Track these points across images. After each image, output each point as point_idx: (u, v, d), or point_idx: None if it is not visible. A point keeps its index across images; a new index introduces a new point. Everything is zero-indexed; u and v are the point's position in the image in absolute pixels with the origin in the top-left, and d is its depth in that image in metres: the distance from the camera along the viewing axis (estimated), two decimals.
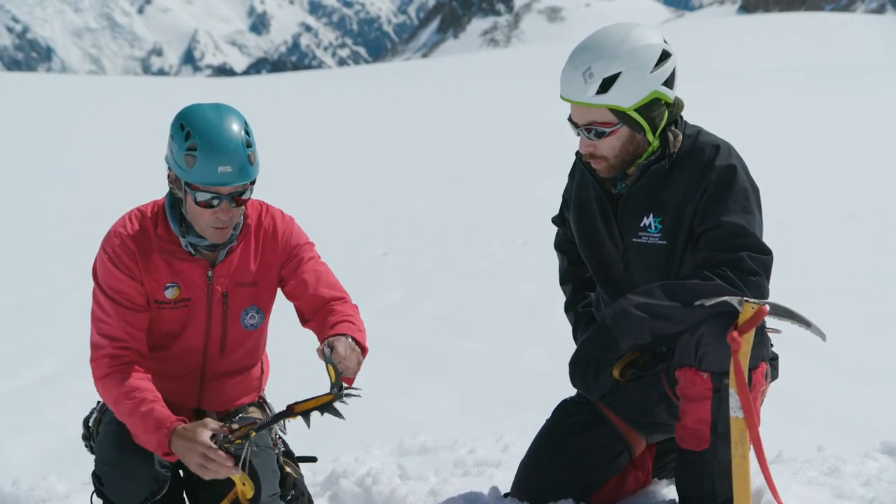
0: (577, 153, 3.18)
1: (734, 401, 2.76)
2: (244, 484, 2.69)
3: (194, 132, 2.73)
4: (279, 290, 3.10)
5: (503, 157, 20.02)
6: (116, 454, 2.81)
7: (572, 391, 3.30)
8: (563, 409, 3.35)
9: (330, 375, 2.65)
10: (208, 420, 2.67)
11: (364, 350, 2.84)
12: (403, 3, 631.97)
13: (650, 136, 2.98)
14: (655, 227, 3.02)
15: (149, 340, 2.93)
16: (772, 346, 3.03)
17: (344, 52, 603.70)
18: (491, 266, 9.46)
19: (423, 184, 16.42)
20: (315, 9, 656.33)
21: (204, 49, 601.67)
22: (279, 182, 14.95)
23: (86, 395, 3.70)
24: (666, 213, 3.00)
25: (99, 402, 3.07)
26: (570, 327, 3.44)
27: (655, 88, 2.92)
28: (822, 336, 2.81)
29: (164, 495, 2.88)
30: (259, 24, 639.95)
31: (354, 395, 2.64)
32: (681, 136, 3.03)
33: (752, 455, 2.80)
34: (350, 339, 2.79)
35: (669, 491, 3.39)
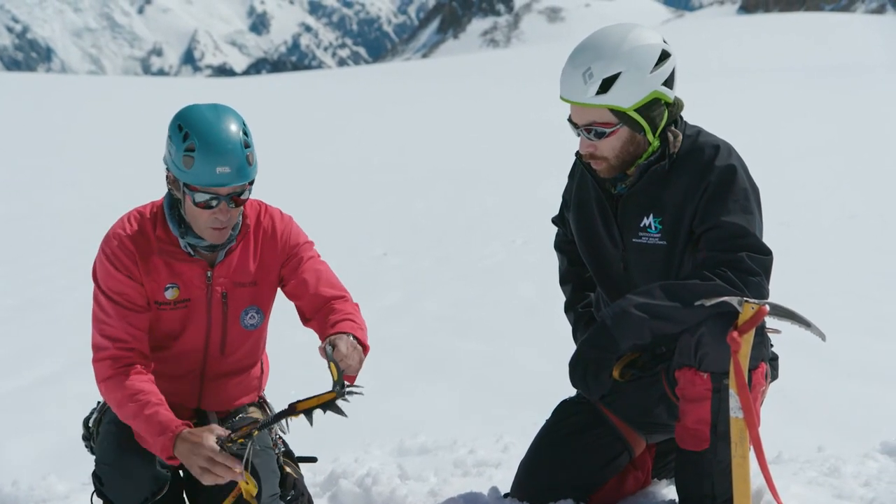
0: (577, 153, 3.18)
1: (734, 401, 2.76)
2: (248, 483, 2.68)
3: (192, 133, 2.73)
4: (279, 289, 3.10)
5: (503, 157, 20.02)
6: (117, 454, 2.82)
7: (572, 391, 3.30)
8: (563, 409, 3.35)
9: (332, 373, 2.65)
10: (215, 426, 2.67)
11: (366, 348, 2.84)
12: (403, 4, 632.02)
13: (650, 136, 2.98)
14: (655, 228, 3.02)
15: (149, 341, 2.93)
16: (772, 346, 3.03)
17: (344, 53, 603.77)
18: (491, 266, 9.46)
19: (423, 184, 16.43)
20: (315, 9, 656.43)
21: (204, 49, 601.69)
22: (279, 182, 14.96)
23: (86, 395, 3.70)
24: (666, 214, 3.00)
25: (99, 402, 3.07)
26: (569, 327, 3.45)
27: (655, 88, 2.92)
28: (822, 336, 2.81)
29: (164, 495, 2.88)
30: (259, 24, 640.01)
31: (357, 393, 2.65)
32: (681, 137, 3.03)
33: (752, 455, 2.80)
34: (352, 338, 2.79)
35: (669, 491, 3.39)
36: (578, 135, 3.03)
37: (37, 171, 18.52)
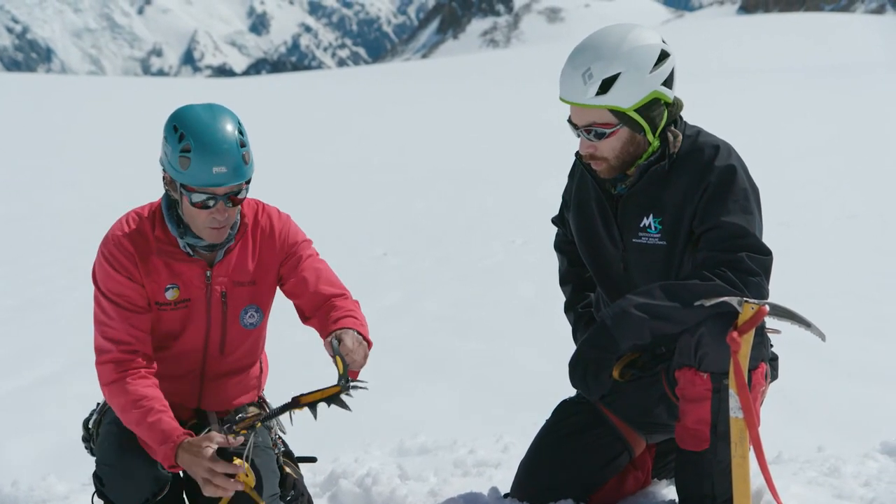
0: (577, 154, 3.18)
1: (734, 401, 2.76)
2: (247, 475, 2.68)
3: (188, 134, 2.73)
4: (278, 288, 3.10)
5: (503, 157, 20.02)
6: (117, 455, 2.82)
7: (572, 391, 3.30)
8: (563, 409, 3.35)
9: (338, 367, 2.67)
10: (213, 434, 2.66)
11: (369, 344, 2.85)
12: (403, 4, 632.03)
13: (650, 137, 2.98)
14: (655, 228, 3.02)
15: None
16: (771, 346, 3.03)
17: (344, 53, 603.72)
18: (491, 266, 9.46)
19: (423, 184, 16.43)
20: (315, 9, 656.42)
21: (204, 49, 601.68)
22: (279, 182, 14.97)
23: (86, 395, 3.71)
24: (666, 214, 3.00)
25: (98, 403, 3.07)
26: (569, 328, 3.45)
27: (655, 88, 2.92)
28: (822, 336, 2.81)
29: (164, 496, 2.88)
30: (259, 24, 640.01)
31: (361, 388, 2.67)
32: (681, 137, 3.03)
33: (751, 455, 2.80)
34: (357, 334, 2.80)
35: (669, 491, 3.39)
36: (578, 135, 3.03)
37: (37, 171, 18.53)
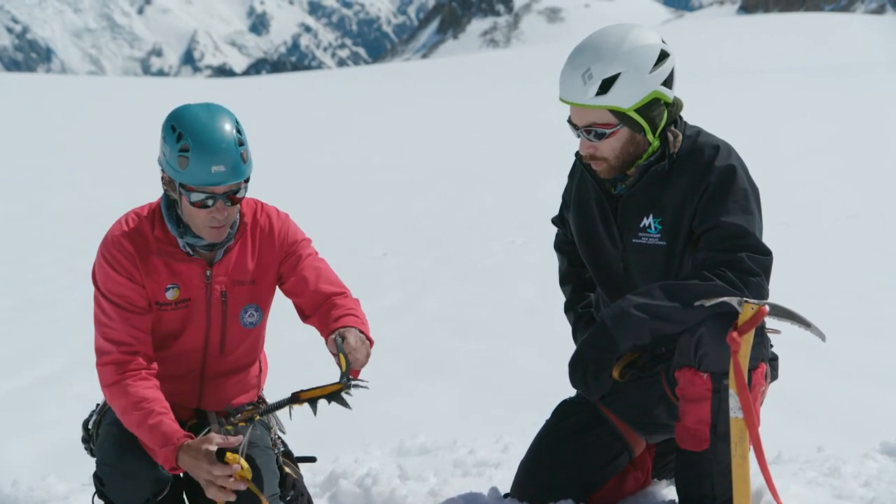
0: (577, 154, 3.18)
1: (734, 401, 2.76)
2: (242, 468, 2.68)
3: (186, 133, 2.73)
4: (277, 287, 3.10)
5: (503, 157, 20.03)
6: (117, 455, 2.81)
7: (572, 391, 3.30)
8: (563, 409, 3.35)
9: (341, 365, 2.68)
10: (212, 435, 2.66)
11: (371, 342, 2.86)
12: (403, 4, 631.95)
13: (650, 137, 2.98)
14: (655, 228, 3.02)
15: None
16: (771, 346, 3.03)
17: (343, 53, 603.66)
18: (490, 266, 9.47)
19: (423, 184, 16.43)
20: (315, 9, 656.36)
21: (203, 49, 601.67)
22: (279, 182, 14.98)
23: (86, 396, 3.71)
24: (666, 214, 3.00)
25: (98, 404, 3.07)
26: (569, 328, 3.45)
27: (655, 88, 2.92)
28: (822, 337, 2.81)
29: (164, 496, 2.88)
30: (259, 24, 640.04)
31: (362, 387, 2.68)
32: (681, 137, 3.03)
33: (751, 455, 2.80)
34: (359, 332, 2.81)
35: (669, 491, 3.39)
36: (578, 136, 3.03)
37: (37, 171, 18.53)
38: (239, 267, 2.98)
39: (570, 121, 3.03)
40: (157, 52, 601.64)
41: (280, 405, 2.72)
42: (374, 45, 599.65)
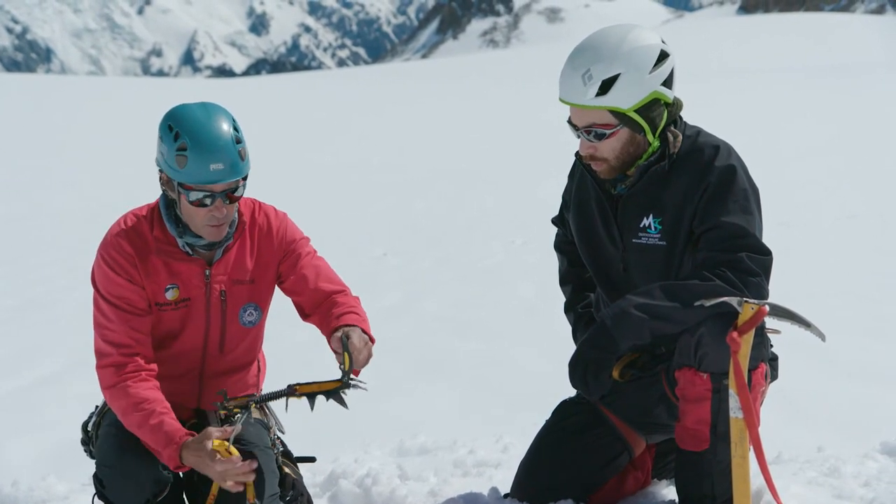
0: (577, 154, 3.18)
1: (734, 401, 2.76)
2: (230, 453, 2.69)
3: (183, 132, 2.74)
4: (277, 286, 3.10)
5: (503, 157, 20.03)
6: (117, 456, 2.81)
7: (572, 391, 3.30)
8: (563, 409, 3.35)
9: (344, 362, 2.70)
10: (211, 430, 2.67)
11: (372, 340, 2.87)
12: (403, 4, 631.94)
13: (650, 137, 2.98)
14: (655, 228, 3.02)
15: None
16: (771, 346, 3.03)
17: (343, 53, 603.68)
18: (490, 266, 9.46)
19: (423, 184, 16.43)
20: (314, 9, 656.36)
21: (203, 50, 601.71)
22: (279, 182, 14.99)
23: (86, 396, 3.71)
24: (666, 214, 3.00)
25: (97, 405, 3.07)
26: (569, 328, 3.45)
27: (655, 89, 2.92)
28: (822, 337, 2.81)
29: (164, 496, 2.88)
30: (258, 24, 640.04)
31: (361, 388, 2.69)
32: (681, 137, 3.03)
33: (751, 455, 2.80)
34: (363, 333, 2.82)
35: (669, 491, 3.39)
36: (578, 136, 3.03)
37: (37, 171, 18.53)
38: (238, 266, 2.98)
39: (569, 121, 3.03)
40: (157, 53, 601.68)
41: (276, 395, 2.73)
42: (374, 45, 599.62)
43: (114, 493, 2.82)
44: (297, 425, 3.37)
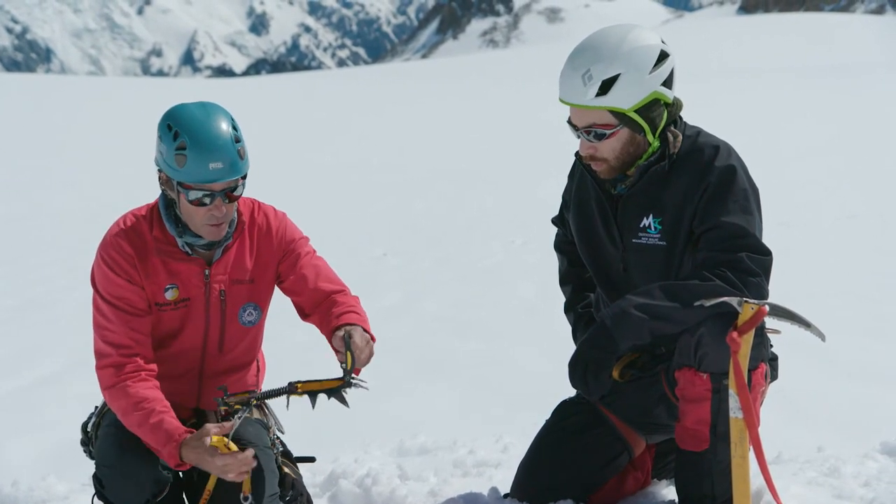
0: (577, 154, 3.18)
1: (734, 401, 2.76)
2: (228, 449, 2.69)
3: (182, 131, 2.74)
4: (276, 286, 3.10)
5: (503, 157, 20.02)
6: (117, 455, 2.81)
7: (572, 392, 3.30)
8: (563, 409, 3.35)
9: (347, 362, 2.70)
10: (208, 426, 2.67)
11: (372, 338, 2.87)
12: (403, 4, 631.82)
13: (650, 137, 2.98)
14: (655, 228, 3.02)
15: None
16: (771, 346, 3.03)
17: (343, 53, 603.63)
18: (490, 266, 9.46)
19: (423, 184, 16.43)
20: (314, 9, 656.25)
21: (203, 50, 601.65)
22: (279, 182, 14.99)
23: (86, 396, 3.71)
24: (665, 214, 3.00)
25: (97, 406, 3.07)
26: (569, 328, 3.45)
27: (655, 89, 2.92)
28: (822, 337, 2.81)
29: (164, 496, 2.88)
30: (258, 24, 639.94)
31: (362, 387, 2.70)
32: (681, 137, 3.03)
33: (751, 455, 2.80)
34: (364, 332, 2.83)
35: (669, 492, 3.39)
36: (578, 136, 3.03)
37: (37, 171, 18.53)
38: (237, 266, 2.99)
39: (569, 121, 3.03)
40: (157, 53, 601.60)
41: (277, 393, 2.73)
42: (373, 45, 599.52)
43: (113, 494, 2.82)
44: (296, 425, 3.37)
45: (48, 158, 20.57)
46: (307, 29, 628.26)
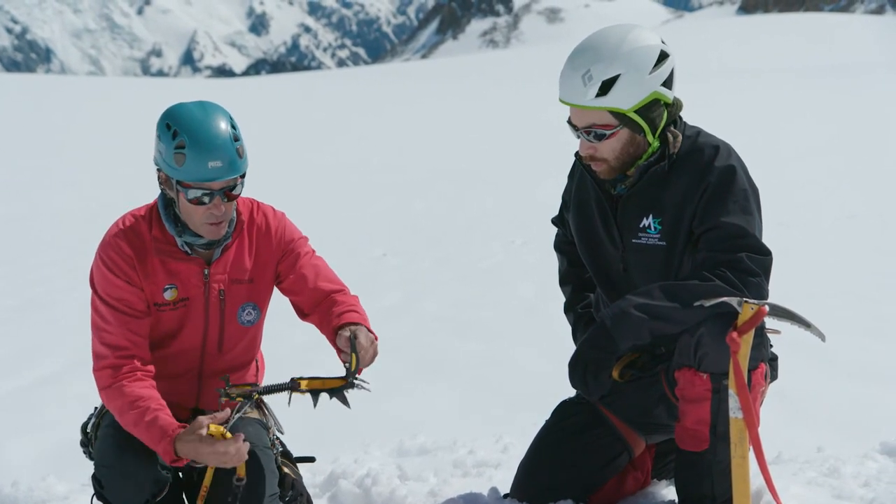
0: (577, 154, 3.18)
1: (734, 401, 2.76)
2: (226, 438, 2.69)
3: (181, 130, 2.74)
4: (275, 286, 3.10)
5: (502, 157, 20.02)
6: (116, 455, 2.81)
7: (572, 392, 3.30)
8: (563, 409, 3.35)
9: (352, 362, 2.70)
10: (200, 419, 2.67)
11: (375, 337, 2.88)
12: (402, 4, 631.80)
13: (650, 137, 2.98)
14: (655, 228, 3.02)
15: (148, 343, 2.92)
16: (771, 346, 3.03)
17: (343, 53, 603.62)
18: (490, 267, 9.46)
19: (423, 184, 16.43)
20: (314, 10, 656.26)
21: (203, 50, 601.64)
22: (278, 182, 14.99)
23: (86, 396, 3.71)
24: (665, 214, 3.00)
25: (96, 406, 3.06)
26: (569, 328, 3.45)
27: (655, 89, 2.92)
28: (822, 337, 2.81)
29: (163, 497, 2.88)
30: (258, 24, 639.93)
31: (364, 388, 2.70)
32: (680, 137, 3.03)
33: (751, 456, 2.80)
34: (368, 332, 2.83)
35: (669, 492, 3.39)
36: (578, 137, 3.03)
37: (37, 171, 18.53)
38: (237, 265, 2.99)
39: (569, 122, 3.03)
40: (157, 53, 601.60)
41: (279, 388, 2.73)
42: (373, 45, 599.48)
43: (113, 494, 2.82)
44: (296, 425, 3.38)
45: (48, 158, 20.58)
46: (307, 29, 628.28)
